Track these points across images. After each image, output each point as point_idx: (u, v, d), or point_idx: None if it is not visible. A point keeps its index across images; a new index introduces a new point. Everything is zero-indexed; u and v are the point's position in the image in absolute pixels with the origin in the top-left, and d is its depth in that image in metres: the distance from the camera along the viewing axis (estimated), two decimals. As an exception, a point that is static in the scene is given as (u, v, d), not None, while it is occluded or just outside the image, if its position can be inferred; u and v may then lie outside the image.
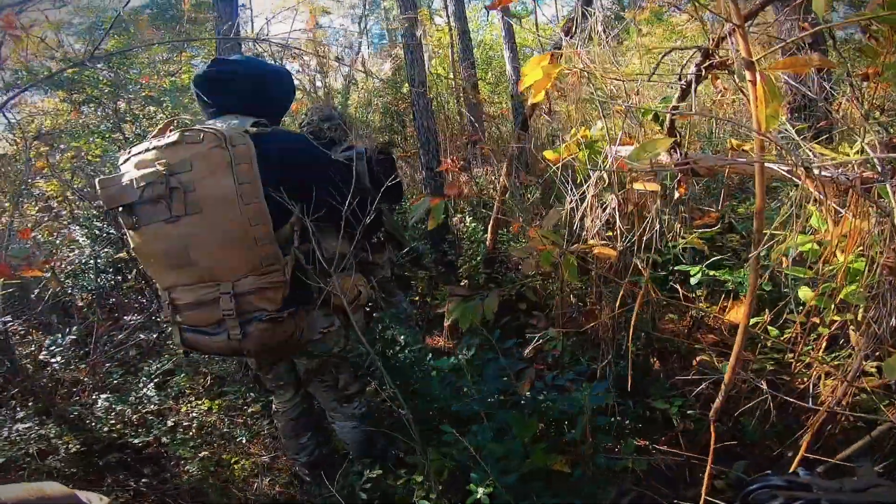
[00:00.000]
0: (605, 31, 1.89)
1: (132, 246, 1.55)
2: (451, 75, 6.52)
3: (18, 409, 2.23)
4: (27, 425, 2.11)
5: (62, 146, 4.87)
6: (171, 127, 1.54)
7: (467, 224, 3.52)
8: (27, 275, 2.34)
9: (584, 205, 1.63)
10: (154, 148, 1.42)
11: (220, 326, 1.47)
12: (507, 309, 2.81)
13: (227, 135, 1.38)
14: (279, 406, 1.99)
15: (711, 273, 1.92)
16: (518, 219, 2.58)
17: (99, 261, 3.29)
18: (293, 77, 1.73)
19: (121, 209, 1.44)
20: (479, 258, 3.09)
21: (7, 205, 3.16)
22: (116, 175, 1.45)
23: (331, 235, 1.59)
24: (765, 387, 1.46)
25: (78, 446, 2.17)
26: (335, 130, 2.43)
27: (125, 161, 1.49)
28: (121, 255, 3.29)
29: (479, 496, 1.36)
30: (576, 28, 2.00)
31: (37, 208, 4.39)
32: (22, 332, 2.99)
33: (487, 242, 2.86)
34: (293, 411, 1.97)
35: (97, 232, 3.10)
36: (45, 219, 4.00)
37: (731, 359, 1.14)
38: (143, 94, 4.93)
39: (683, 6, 3.39)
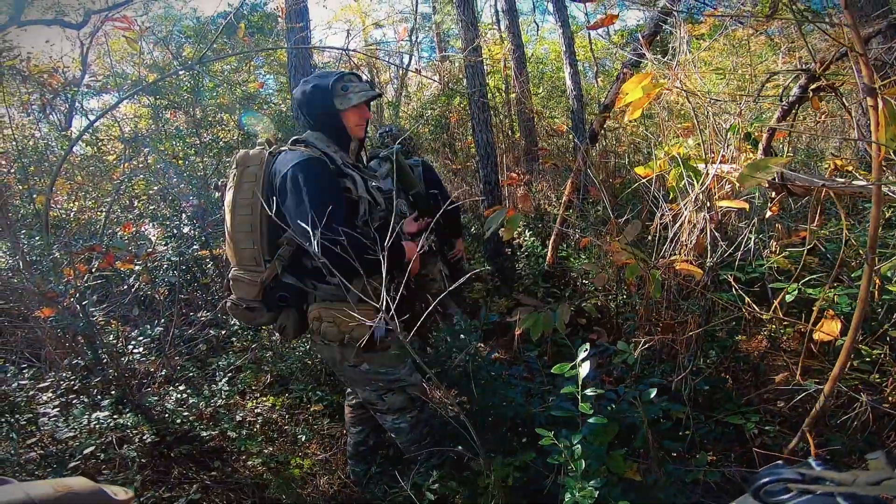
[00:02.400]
0: (686, 47, 1.81)
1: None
2: (505, 89, 6.49)
3: (99, 397, 2.31)
4: (105, 413, 2.18)
5: (146, 149, 5.13)
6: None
7: (526, 238, 3.45)
8: (123, 267, 2.45)
9: (681, 219, 1.54)
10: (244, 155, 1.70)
11: (242, 305, 1.73)
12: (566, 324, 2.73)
13: (244, 157, 1.66)
14: (349, 396, 2.22)
15: (808, 291, 1.80)
16: (584, 233, 2.48)
17: (174, 259, 3.41)
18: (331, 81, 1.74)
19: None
20: (537, 271, 3.01)
21: (107, 200, 3.32)
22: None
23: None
24: (864, 398, 1.38)
25: (153, 437, 2.23)
26: (404, 144, 2.65)
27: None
28: (201, 252, 3.40)
29: (575, 500, 1.33)
30: (650, 43, 1.92)
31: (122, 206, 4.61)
32: (102, 322, 3.12)
33: (548, 257, 2.79)
34: (356, 405, 2.19)
35: (174, 231, 3.21)
36: (129, 217, 4.20)
37: (835, 369, 1.10)
38: (218, 101, 5.14)
39: (748, 22, 3.22)
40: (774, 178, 1.52)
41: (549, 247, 2.66)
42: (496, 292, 3.28)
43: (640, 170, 1.71)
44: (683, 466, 1.70)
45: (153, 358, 2.49)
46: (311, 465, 2.36)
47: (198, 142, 4.73)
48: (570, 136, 4.95)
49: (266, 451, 2.34)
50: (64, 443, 2.01)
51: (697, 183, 1.51)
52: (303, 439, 2.44)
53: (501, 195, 3.59)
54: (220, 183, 3.37)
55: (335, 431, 2.54)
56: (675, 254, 1.62)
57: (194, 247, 2.92)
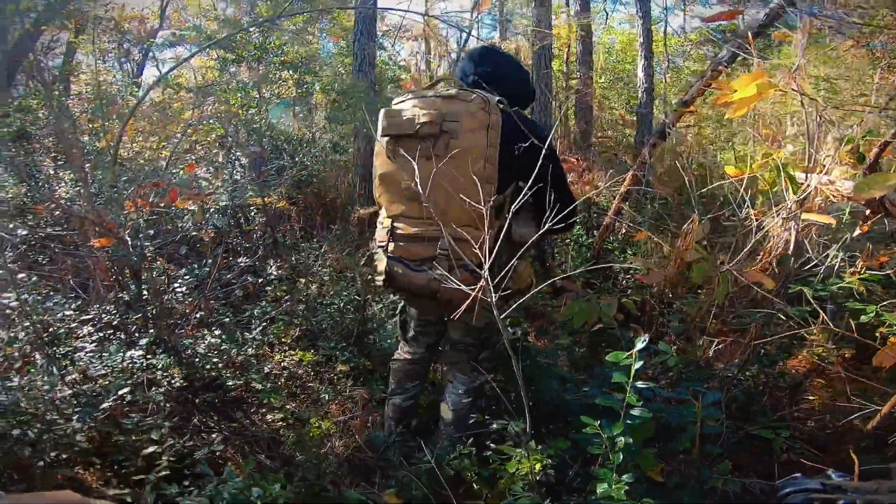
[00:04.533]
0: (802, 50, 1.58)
1: (380, 172, 1.64)
2: (566, 75, 6.18)
3: (137, 335, 2.32)
4: (139, 353, 2.17)
5: (210, 98, 5.19)
6: (442, 84, 1.74)
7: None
8: (181, 206, 2.47)
9: (767, 226, 1.37)
10: (433, 97, 1.58)
11: (424, 264, 1.54)
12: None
13: (491, 102, 1.52)
14: (404, 354, 1.99)
15: (887, 316, 1.62)
16: (639, 227, 2.30)
17: (224, 203, 3.45)
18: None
19: (388, 137, 1.59)
20: (579, 261, 2.84)
21: (173, 140, 3.35)
22: (398, 110, 1.60)
23: (523, 220, 1.59)
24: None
25: (181, 381, 2.18)
26: None
27: (402, 102, 1.65)
28: (256, 199, 3.40)
29: (611, 491, 1.27)
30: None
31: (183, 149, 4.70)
32: (150, 258, 3.17)
33: (595, 247, 2.61)
34: (417, 359, 1.97)
35: (227, 177, 3.21)
36: (191, 159, 4.27)
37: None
38: (281, 58, 5.12)
39: (847, 33, 2.89)
40: (876, 197, 1.31)
41: (598, 237, 2.49)
42: (539, 279, 3.14)
43: (730, 169, 1.54)
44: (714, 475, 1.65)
45: (190, 300, 2.50)
46: (330, 425, 2.32)
47: (257, 95, 4.75)
48: (631, 129, 4.67)
49: (288, 406, 2.31)
50: (95, 380, 2.00)
51: (793, 191, 1.33)
52: (325, 398, 2.40)
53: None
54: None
55: (356, 395, 2.50)
56: (748, 259, 1.46)
57: (248, 194, 2.90)
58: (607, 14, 12.68)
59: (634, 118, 4.67)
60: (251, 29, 5.10)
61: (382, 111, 1.62)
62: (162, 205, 2.24)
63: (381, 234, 1.65)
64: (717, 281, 1.41)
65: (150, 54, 8.83)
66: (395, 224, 1.60)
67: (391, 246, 1.59)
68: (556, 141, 4.53)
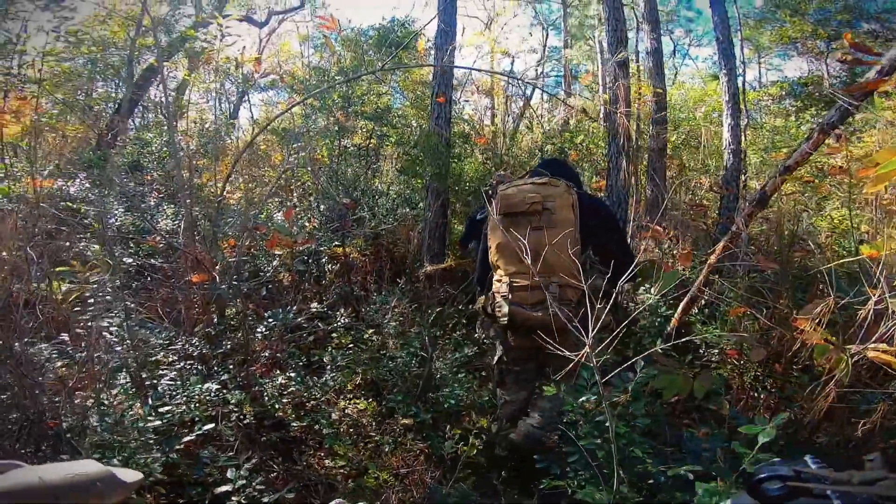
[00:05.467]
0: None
1: (497, 242, 2.08)
2: (637, 133, 6.07)
3: (216, 368, 2.39)
4: (216, 386, 2.22)
5: (298, 143, 5.51)
6: (528, 174, 2.26)
7: (649, 293, 3.14)
8: (276, 251, 2.59)
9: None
10: (530, 183, 2.09)
11: (538, 307, 1.94)
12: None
13: (572, 187, 2.09)
14: (508, 397, 2.24)
15: None
16: (732, 302, 2.14)
17: (318, 248, 3.57)
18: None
19: (503, 216, 2.04)
20: (655, 330, 2.68)
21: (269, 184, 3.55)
22: (510, 194, 2.08)
23: (595, 272, 2.03)
24: None
25: (251, 418, 2.23)
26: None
27: (507, 188, 2.11)
28: (337, 248, 3.52)
29: None
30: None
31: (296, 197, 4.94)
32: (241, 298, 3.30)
33: (675, 317, 2.46)
34: (518, 401, 2.22)
35: (317, 225, 3.35)
36: (290, 203, 4.49)
37: None
38: (361, 109, 5.38)
39: None
40: None
41: (679, 308, 2.34)
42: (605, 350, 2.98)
43: (865, 249, 1.42)
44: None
45: (265, 340, 2.56)
46: (388, 477, 2.25)
47: (339, 145, 4.98)
48: (710, 194, 4.45)
49: (350, 453, 2.27)
50: (173, 411, 2.05)
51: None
52: (386, 449, 2.34)
53: (627, 251, 3.30)
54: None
55: (417, 449, 2.42)
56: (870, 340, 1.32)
57: (333, 243, 3.00)
58: (676, 69, 12.52)
59: (719, 181, 4.43)
60: (339, 80, 5.41)
61: (498, 195, 2.09)
62: (254, 248, 2.35)
63: (501, 287, 2.05)
64: (837, 362, 1.28)
65: (245, 97, 9.59)
66: (513, 279, 2.02)
67: (511, 296, 2.00)
68: (633, 204, 4.36)
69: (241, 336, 2.35)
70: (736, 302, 2.15)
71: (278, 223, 2.77)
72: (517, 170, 5.70)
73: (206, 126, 6.60)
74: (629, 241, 2.84)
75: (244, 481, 1.71)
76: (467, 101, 9.26)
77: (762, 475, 0.61)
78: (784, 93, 7.99)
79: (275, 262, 2.89)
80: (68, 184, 4.49)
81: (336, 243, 3.12)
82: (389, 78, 7.73)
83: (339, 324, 3.05)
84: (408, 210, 4.53)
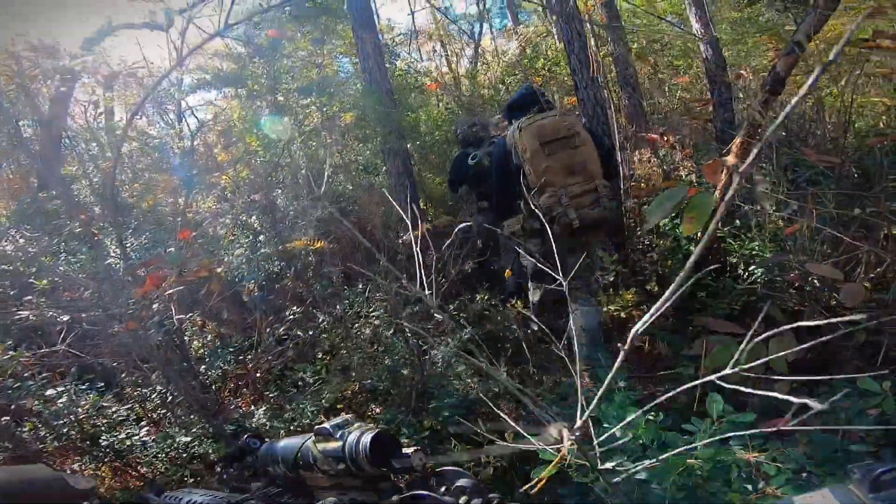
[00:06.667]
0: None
1: (543, 165, 2.30)
2: (595, 45, 5.52)
3: (184, 416, 2.00)
4: (188, 439, 1.85)
5: (234, 139, 4.93)
6: (535, 111, 2.43)
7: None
8: (193, 277, 2.14)
9: None
10: (551, 117, 2.36)
11: (596, 205, 2.28)
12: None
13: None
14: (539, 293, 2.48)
15: None
16: (792, 215, 1.67)
17: (263, 250, 3.12)
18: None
19: (543, 144, 2.30)
20: (678, 259, 2.29)
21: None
22: (543, 125, 2.33)
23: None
24: None
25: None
26: (481, 130, 3.22)
27: (540, 121, 2.35)
28: (289, 245, 3.05)
29: None
30: None
31: (211, 201, 4.46)
32: (200, 323, 2.87)
33: (701, 245, 2.04)
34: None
35: (257, 227, 2.87)
36: (220, 210, 4.00)
37: None
38: (294, 86, 4.78)
39: None
40: None
41: (709, 225, 1.91)
42: (620, 284, 2.60)
43: None
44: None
45: (239, 371, 2.17)
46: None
47: (280, 128, 4.43)
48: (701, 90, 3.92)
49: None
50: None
51: None
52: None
53: (618, 163, 2.85)
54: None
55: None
56: None
57: (263, 250, 2.53)
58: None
59: (702, 75, 3.84)
60: (256, 62, 4.79)
61: (535, 124, 2.34)
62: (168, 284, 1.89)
63: (554, 200, 2.29)
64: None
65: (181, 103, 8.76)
66: (570, 189, 2.28)
67: (571, 202, 2.27)
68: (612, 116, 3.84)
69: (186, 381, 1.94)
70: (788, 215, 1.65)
71: (169, 254, 2.25)
72: (482, 109, 5.23)
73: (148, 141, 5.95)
74: (617, 154, 2.94)
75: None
76: (419, 52, 8.63)
77: (885, 468, 0.53)
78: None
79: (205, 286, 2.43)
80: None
81: (264, 250, 2.63)
82: (324, 48, 7.02)
83: (320, 328, 2.65)
84: (372, 177, 4.04)
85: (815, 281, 1.51)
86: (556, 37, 7.20)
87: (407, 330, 2.16)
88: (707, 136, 3.14)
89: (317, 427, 0.79)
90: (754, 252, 1.89)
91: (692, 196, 1.08)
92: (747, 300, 1.90)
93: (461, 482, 0.83)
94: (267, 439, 0.95)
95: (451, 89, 6.13)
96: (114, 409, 2.03)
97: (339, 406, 2.18)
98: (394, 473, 0.78)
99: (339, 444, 0.76)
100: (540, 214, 1.97)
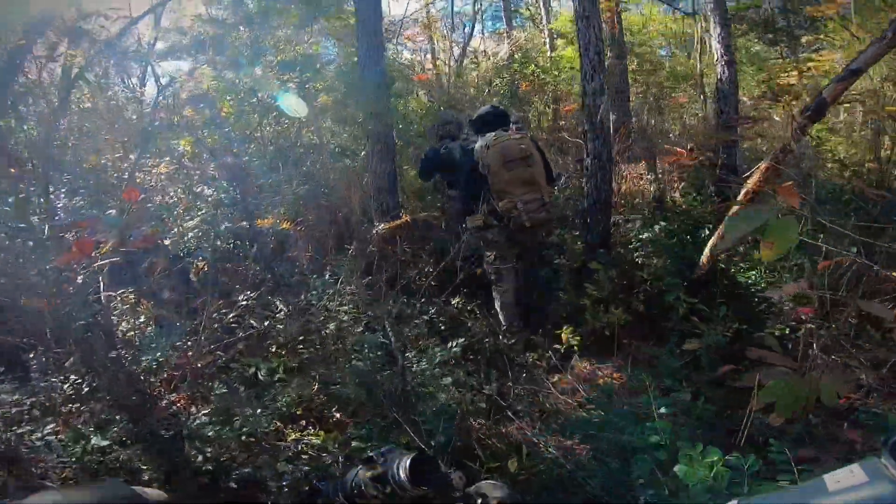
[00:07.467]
0: None
1: (505, 178, 2.77)
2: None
3: (104, 413, 1.66)
4: (106, 443, 1.54)
5: (201, 105, 4.53)
6: (503, 130, 2.91)
7: (653, 232, 2.61)
8: (133, 247, 1.80)
9: None
10: (513, 138, 2.84)
11: (542, 209, 2.81)
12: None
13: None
14: (505, 287, 2.92)
15: None
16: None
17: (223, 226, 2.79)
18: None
19: (503, 163, 2.77)
20: (675, 280, 2.14)
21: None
22: (507, 145, 2.81)
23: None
24: None
25: (164, 473, 1.58)
26: (455, 129, 3.37)
27: (502, 141, 2.82)
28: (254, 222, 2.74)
29: None
30: None
31: (168, 167, 4.03)
32: (133, 301, 2.51)
33: (702, 259, 1.91)
34: (515, 289, 2.94)
35: (222, 195, 2.52)
36: (177, 177, 3.60)
37: None
38: (279, 59, 4.45)
39: None
40: None
41: (709, 246, 1.79)
42: (608, 300, 2.45)
43: None
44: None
45: (170, 363, 1.84)
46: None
47: (255, 100, 4.09)
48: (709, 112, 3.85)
49: None
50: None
51: None
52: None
53: (611, 176, 2.73)
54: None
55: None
56: None
57: (225, 225, 2.20)
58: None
59: (712, 96, 3.76)
60: (242, 32, 4.50)
61: (499, 145, 2.80)
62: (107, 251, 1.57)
63: (511, 205, 2.75)
64: None
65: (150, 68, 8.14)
66: (523, 197, 2.75)
67: (525, 206, 2.74)
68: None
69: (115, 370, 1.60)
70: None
71: (107, 216, 1.92)
72: (465, 106, 5.06)
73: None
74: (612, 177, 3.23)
75: None
76: (405, 45, 8.39)
77: None
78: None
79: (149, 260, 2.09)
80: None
81: (225, 224, 2.31)
82: (312, 28, 6.69)
83: (278, 317, 2.34)
84: (349, 162, 3.74)
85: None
86: (547, 45, 7.12)
87: (384, 331, 1.90)
88: (705, 160, 3.07)
89: (364, 456, 0.92)
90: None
91: (775, 221, 0.89)
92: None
93: (497, 494, 0.92)
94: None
95: (435, 84, 5.93)
96: (14, 398, 1.67)
97: (297, 412, 1.88)
98: (437, 494, 0.88)
99: (383, 469, 0.88)
100: (499, 214, 2.73)
